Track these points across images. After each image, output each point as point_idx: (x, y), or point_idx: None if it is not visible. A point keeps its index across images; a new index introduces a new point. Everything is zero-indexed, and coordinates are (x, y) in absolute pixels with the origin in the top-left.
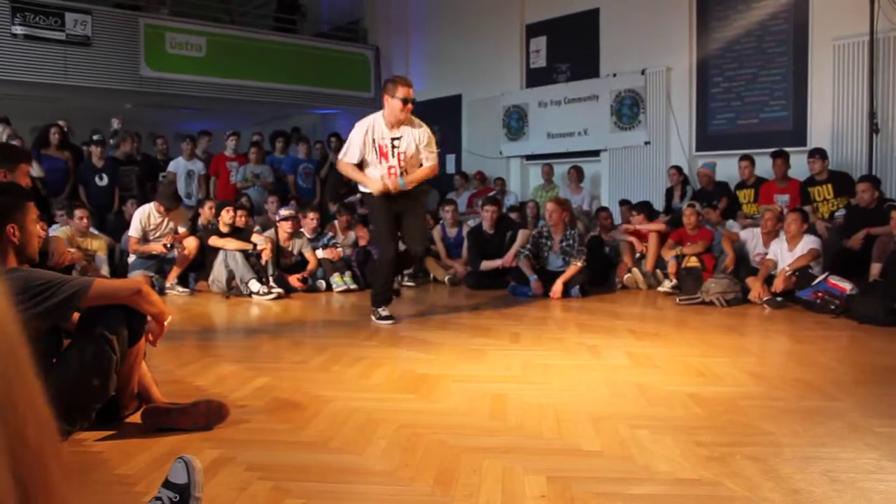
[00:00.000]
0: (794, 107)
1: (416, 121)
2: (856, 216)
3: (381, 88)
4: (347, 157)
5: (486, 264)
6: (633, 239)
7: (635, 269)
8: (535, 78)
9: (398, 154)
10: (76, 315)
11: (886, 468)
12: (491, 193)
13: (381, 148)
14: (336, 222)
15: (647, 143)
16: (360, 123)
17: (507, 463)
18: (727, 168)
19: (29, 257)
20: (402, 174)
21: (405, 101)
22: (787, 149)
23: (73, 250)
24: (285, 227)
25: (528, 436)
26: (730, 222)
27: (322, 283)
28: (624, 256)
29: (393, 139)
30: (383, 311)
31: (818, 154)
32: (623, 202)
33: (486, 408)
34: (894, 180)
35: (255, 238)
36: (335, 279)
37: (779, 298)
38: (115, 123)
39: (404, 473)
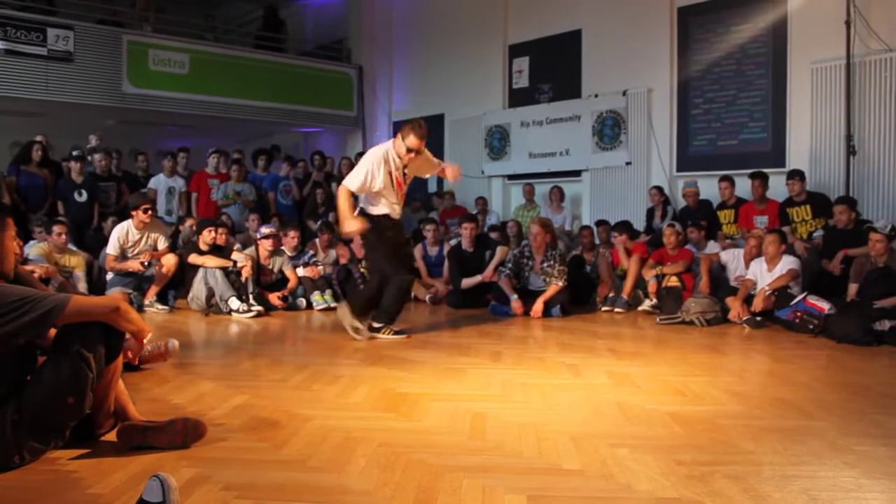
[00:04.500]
0: (773, 128)
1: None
2: (834, 237)
3: (364, 107)
4: (353, 184)
5: (467, 281)
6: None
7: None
8: (518, 98)
9: (404, 180)
10: (52, 332)
11: (865, 486)
12: (474, 212)
13: (397, 178)
14: (317, 240)
15: (628, 163)
16: (374, 156)
17: (487, 482)
18: (707, 189)
19: (4, 273)
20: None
21: (409, 151)
22: (766, 170)
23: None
24: (266, 245)
25: (509, 455)
26: (711, 243)
27: (302, 302)
28: (603, 276)
29: (404, 168)
30: (396, 327)
31: (797, 175)
32: (600, 222)
33: (467, 427)
34: (871, 201)
35: (235, 256)
36: (316, 297)
37: (758, 318)
38: (94, 140)
39: (384, 493)
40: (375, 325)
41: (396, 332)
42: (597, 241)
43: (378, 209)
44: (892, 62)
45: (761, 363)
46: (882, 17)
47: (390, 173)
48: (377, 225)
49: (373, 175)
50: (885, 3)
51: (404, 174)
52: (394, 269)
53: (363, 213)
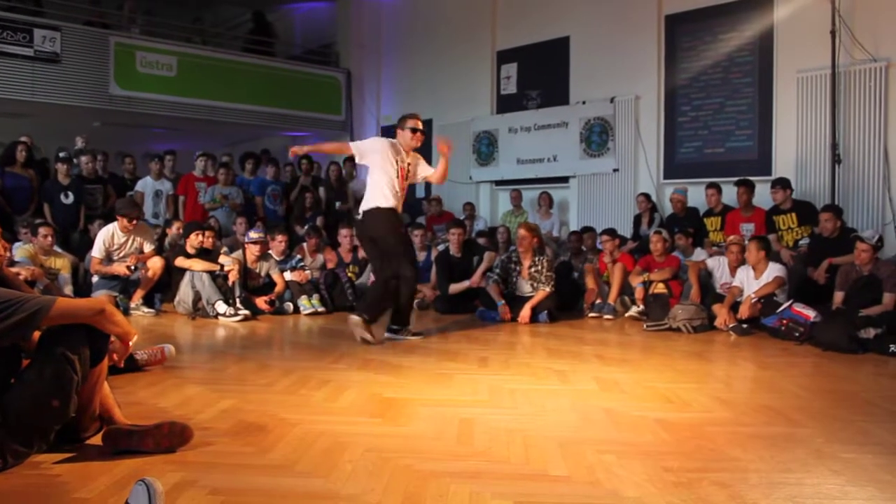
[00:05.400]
0: (760, 137)
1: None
2: (819, 245)
3: (352, 111)
4: (356, 144)
5: (454, 287)
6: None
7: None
8: (506, 104)
9: (406, 176)
10: (37, 334)
11: (850, 493)
12: (462, 218)
13: (402, 170)
14: (305, 245)
15: (615, 170)
16: (382, 139)
17: (474, 488)
18: (694, 196)
19: None
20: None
21: (413, 130)
22: (752, 178)
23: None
24: (253, 249)
25: (496, 461)
26: (697, 250)
27: (289, 306)
28: (588, 282)
29: (408, 164)
30: (413, 328)
31: (780, 184)
32: (586, 229)
33: (454, 432)
34: (855, 210)
35: (222, 259)
36: (303, 302)
37: (744, 325)
38: (80, 142)
39: (371, 498)
40: (394, 326)
41: (415, 334)
42: (583, 248)
43: (386, 201)
44: (877, 72)
45: (747, 370)
46: (867, 27)
47: (396, 161)
48: (390, 217)
49: (376, 149)
50: (870, 13)
51: (408, 169)
52: (409, 263)
53: (375, 209)
